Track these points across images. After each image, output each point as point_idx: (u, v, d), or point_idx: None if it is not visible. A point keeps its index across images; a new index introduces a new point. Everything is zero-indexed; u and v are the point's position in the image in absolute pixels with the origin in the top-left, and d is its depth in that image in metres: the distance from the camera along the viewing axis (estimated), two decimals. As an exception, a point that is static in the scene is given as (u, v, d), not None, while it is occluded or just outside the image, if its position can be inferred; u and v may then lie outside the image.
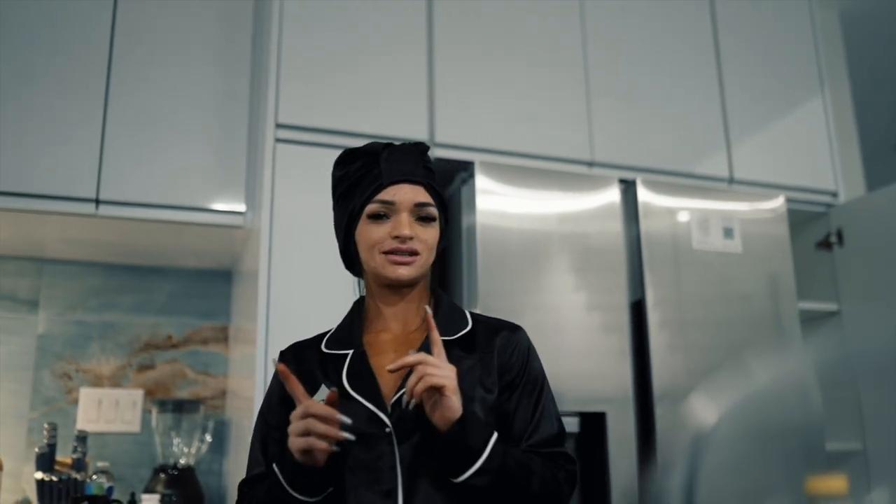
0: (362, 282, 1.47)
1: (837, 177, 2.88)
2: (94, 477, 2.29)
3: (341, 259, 1.47)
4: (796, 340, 2.41)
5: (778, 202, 2.55)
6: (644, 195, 2.38)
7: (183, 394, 2.71)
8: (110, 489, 2.28)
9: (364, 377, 1.32)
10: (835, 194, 2.86)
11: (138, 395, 2.66)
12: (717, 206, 2.45)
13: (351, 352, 1.37)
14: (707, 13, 2.87)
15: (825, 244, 2.78)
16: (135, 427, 2.63)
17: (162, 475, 2.45)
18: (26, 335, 2.61)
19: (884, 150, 3.91)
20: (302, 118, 2.28)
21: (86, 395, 2.61)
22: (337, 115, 2.32)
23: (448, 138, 2.40)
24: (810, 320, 2.69)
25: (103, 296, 2.72)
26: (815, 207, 2.83)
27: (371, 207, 1.35)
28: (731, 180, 2.71)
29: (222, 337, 2.80)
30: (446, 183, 2.38)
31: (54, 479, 2.25)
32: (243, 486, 1.38)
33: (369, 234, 1.36)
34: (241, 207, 2.40)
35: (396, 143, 1.43)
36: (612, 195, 2.35)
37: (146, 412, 2.64)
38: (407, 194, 1.35)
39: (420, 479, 1.25)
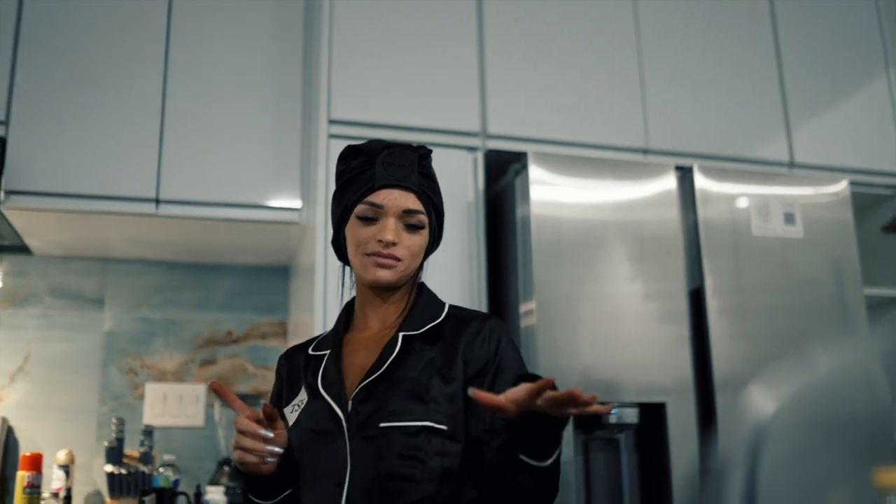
0: (349, 269, 1.49)
1: (904, 158, 2.78)
2: (161, 470, 2.35)
3: (332, 248, 1.49)
4: (862, 327, 2.34)
5: (841, 186, 2.47)
6: (701, 182, 2.34)
7: (244, 388, 2.76)
8: (176, 482, 2.33)
9: (332, 376, 1.35)
10: (902, 176, 2.77)
11: (201, 389, 2.72)
12: (778, 192, 2.40)
13: (328, 353, 1.41)
14: (764, -7, 2.80)
15: (892, 228, 2.70)
16: (198, 421, 2.69)
17: (226, 468, 2.50)
18: (94, 332, 2.69)
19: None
20: (354, 113, 2.29)
21: (151, 390, 2.68)
22: (389, 109, 2.33)
23: (500, 129, 2.39)
24: (877, 306, 2.61)
25: (165, 293, 2.78)
26: (881, 190, 2.74)
27: (360, 208, 1.37)
28: (791, 164, 2.64)
29: (281, 332, 2.84)
30: (499, 175, 2.37)
31: (123, 471, 2.32)
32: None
33: (356, 233, 1.38)
34: (297, 204, 2.42)
35: (398, 143, 1.44)
36: (668, 182, 2.31)
37: (209, 406, 2.70)
38: (396, 200, 1.36)
39: (366, 469, 1.26)
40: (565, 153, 2.36)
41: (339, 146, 2.24)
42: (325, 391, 1.34)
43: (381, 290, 1.41)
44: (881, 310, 2.63)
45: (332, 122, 2.27)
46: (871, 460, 0.72)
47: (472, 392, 1.11)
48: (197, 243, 2.66)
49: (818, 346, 0.68)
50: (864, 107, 2.81)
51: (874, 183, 2.72)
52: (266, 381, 2.77)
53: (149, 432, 2.44)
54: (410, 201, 1.37)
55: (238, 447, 1.23)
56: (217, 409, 2.61)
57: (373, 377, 1.31)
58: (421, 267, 1.45)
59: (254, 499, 1.30)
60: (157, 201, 2.32)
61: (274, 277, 2.88)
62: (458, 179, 2.30)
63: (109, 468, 2.34)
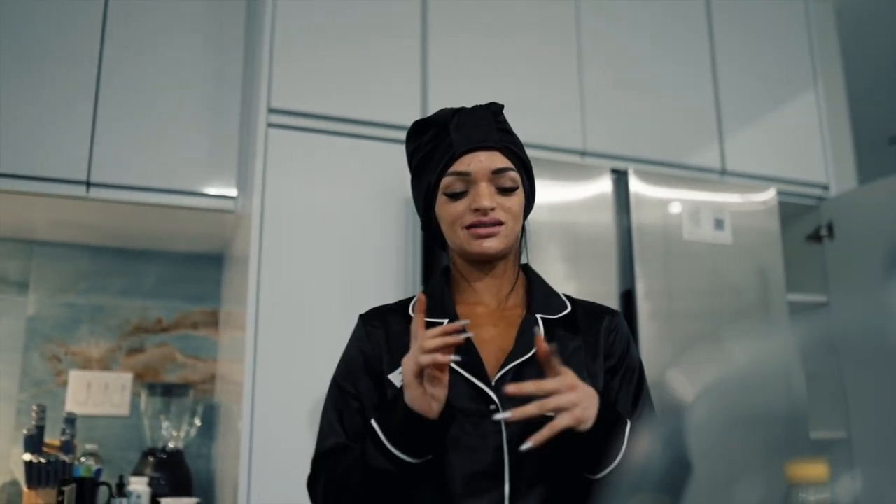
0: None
1: (829, 170, 2.88)
2: (83, 459, 2.29)
3: (423, 233, 1.40)
4: (784, 332, 2.42)
5: (769, 195, 2.55)
6: (636, 185, 2.38)
7: (172, 377, 2.71)
8: (98, 472, 2.28)
9: (464, 349, 1.20)
10: (826, 187, 2.86)
11: (128, 378, 2.66)
12: (709, 198, 2.46)
13: (446, 320, 1.27)
14: (702, 3, 2.87)
15: (815, 237, 2.79)
16: (124, 410, 2.63)
17: (150, 458, 2.45)
18: (16, 317, 2.61)
19: (877, 144, 3.92)
20: (295, 103, 2.27)
21: (75, 377, 2.61)
22: (330, 100, 2.31)
23: (441, 125, 2.39)
24: (799, 312, 2.70)
25: (93, 279, 2.71)
26: (807, 200, 2.84)
27: (446, 181, 1.28)
28: (723, 172, 2.71)
29: (212, 321, 2.80)
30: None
31: (42, 461, 2.25)
32: (318, 461, 1.28)
33: (448, 210, 1.28)
34: (233, 192, 2.39)
35: (467, 107, 1.36)
36: (603, 185, 2.35)
37: (135, 396, 2.64)
38: (482, 162, 1.27)
39: (528, 460, 1.15)
40: (504, 152, 2.38)
41: (277, 136, 2.24)
42: (461, 367, 1.20)
43: (488, 263, 1.31)
44: (803, 315, 2.72)
45: (271, 111, 2.24)
46: (788, 456, 0.75)
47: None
48: (128, 228, 2.60)
49: (735, 342, 0.70)
50: (793, 119, 2.90)
51: (800, 193, 2.82)
52: (196, 371, 2.73)
53: (71, 420, 2.38)
54: (497, 160, 1.28)
55: (426, 354, 1.10)
56: (143, 398, 2.56)
57: (523, 359, 1.22)
58: (523, 231, 1.35)
59: (400, 455, 1.13)
60: (88, 184, 2.26)
61: (206, 266, 2.83)
62: (395, 174, 2.29)
63: (28, 457, 2.27)
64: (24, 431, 2.32)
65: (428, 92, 2.40)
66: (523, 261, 1.43)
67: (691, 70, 2.79)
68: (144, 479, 2.25)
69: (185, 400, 2.58)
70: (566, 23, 2.64)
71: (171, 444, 2.49)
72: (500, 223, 1.26)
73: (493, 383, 1.22)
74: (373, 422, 1.17)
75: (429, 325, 1.26)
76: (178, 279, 2.80)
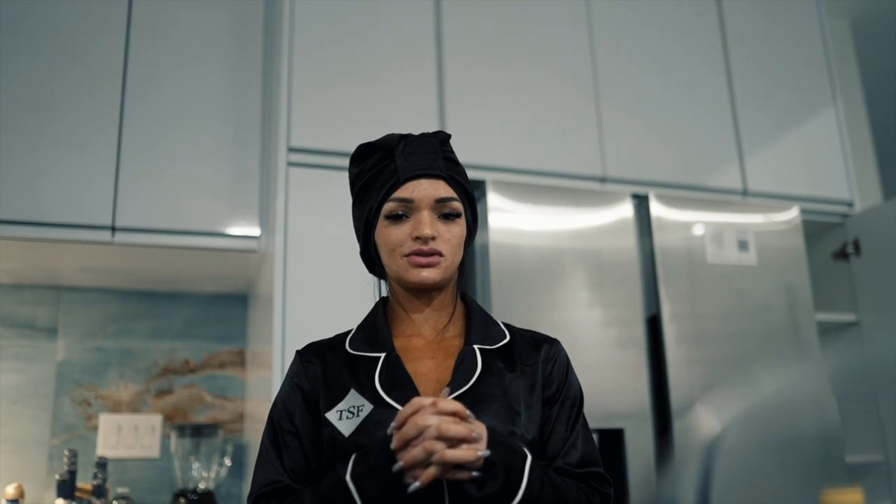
0: (383, 283, 1.38)
1: (852, 186, 2.86)
2: (115, 503, 2.29)
3: (362, 261, 1.39)
4: (814, 352, 2.39)
5: (792, 213, 2.53)
6: (657, 210, 2.38)
7: (201, 418, 2.71)
8: (130, 515, 2.28)
9: (402, 384, 1.19)
10: (850, 204, 2.84)
11: (157, 420, 2.68)
12: (731, 219, 2.44)
13: (383, 355, 1.25)
14: (716, 25, 2.87)
15: (842, 254, 2.76)
16: (154, 452, 2.64)
17: (182, 500, 2.45)
18: (46, 363, 2.64)
19: (900, 158, 3.88)
20: (314, 141, 2.29)
21: (105, 421, 2.63)
22: (348, 137, 2.31)
23: (459, 158, 2.40)
24: (829, 331, 2.67)
25: (121, 322, 2.74)
26: (831, 218, 2.81)
27: (388, 207, 1.26)
28: (744, 192, 2.70)
29: (239, 361, 2.81)
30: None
31: (75, 505, 2.26)
32: (259, 500, 1.22)
33: (388, 235, 1.26)
34: (256, 231, 2.41)
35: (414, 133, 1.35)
36: (624, 210, 2.35)
37: (165, 437, 2.65)
38: (426, 190, 1.25)
39: (467, 493, 1.10)
40: (523, 181, 2.39)
41: (298, 174, 2.26)
42: (398, 402, 1.18)
43: (426, 293, 1.30)
44: (832, 335, 2.69)
45: (291, 149, 2.27)
46: (824, 480, 0.74)
47: None
48: (153, 271, 2.63)
49: (766, 369, 0.70)
50: (814, 136, 2.88)
51: (824, 210, 2.79)
52: (225, 411, 2.74)
53: (102, 464, 2.39)
54: (441, 189, 1.26)
55: (427, 451, 1.05)
56: (173, 439, 2.57)
57: (461, 391, 1.19)
58: (463, 265, 1.33)
59: None
60: (114, 229, 2.29)
61: (232, 306, 2.85)
62: (418, 207, 2.30)
63: (61, 502, 2.28)
64: (57, 477, 2.33)
65: (445, 125, 2.41)
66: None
67: (708, 91, 2.79)
68: (176, 522, 2.26)
69: (215, 440, 2.58)
70: (581, 51, 2.65)
71: (201, 485, 2.49)
72: (440, 254, 1.24)
73: None
74: (349, 479, 1.11)
75: (365, 359, 1.26)
76: (204, 320, 2.82)
